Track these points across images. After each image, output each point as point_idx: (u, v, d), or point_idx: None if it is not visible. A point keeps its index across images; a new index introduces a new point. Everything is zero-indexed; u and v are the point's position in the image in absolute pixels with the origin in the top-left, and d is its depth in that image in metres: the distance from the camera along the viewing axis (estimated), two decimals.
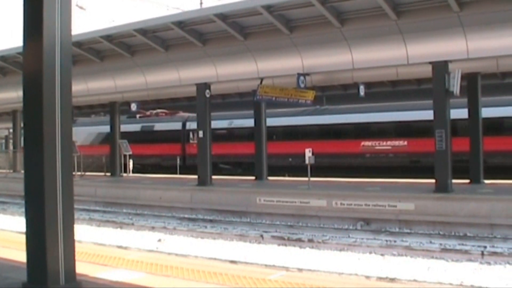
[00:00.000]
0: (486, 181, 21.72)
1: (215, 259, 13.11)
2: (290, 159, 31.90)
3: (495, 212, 16.20)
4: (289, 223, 18.66)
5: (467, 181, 21.66)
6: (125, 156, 32.87)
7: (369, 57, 20.05)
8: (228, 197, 21.83)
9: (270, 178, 26.85)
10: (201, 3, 21.90)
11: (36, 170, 6.80)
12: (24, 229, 6.98)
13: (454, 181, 19.27)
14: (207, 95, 24.14)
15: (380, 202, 18.13)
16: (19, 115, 36.99)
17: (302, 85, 21.39)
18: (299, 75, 21.14)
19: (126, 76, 27.20)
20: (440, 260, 12.97)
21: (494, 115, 25.64)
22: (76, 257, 7.12)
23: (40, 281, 6.72)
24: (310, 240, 15.39)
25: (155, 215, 21.82)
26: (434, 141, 18.86)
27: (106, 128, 34.41)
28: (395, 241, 14.94)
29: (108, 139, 33.24)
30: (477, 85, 21.79)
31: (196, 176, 24.90)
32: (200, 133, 24.25)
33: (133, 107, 31.02)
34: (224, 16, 21.20)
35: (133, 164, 33.76)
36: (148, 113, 41.00)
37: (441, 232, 16.13)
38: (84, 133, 41.41)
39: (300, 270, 11.67)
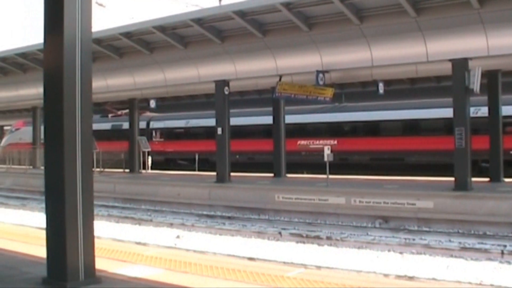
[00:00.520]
0: (506, 180, 21.54)
1: (233, 256, 13.11)
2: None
3: None
4: (307, 221, 18.64)
5: (487, 179, 21.50)
6: (143, 152, 33.01)
7: (389, 54, 19.95)
8: (246, 194, 21.84)
9: (289, 175, 26.84)
10: (220, 0, 21.95)
11: (57, 166, 6.85)
12: (43, 224, 7.04)
13: (473, 179, 19.13)
14: (226, 92, 24.14)
15: (399, 200, 18.04)
16: (39, 112, 37.28)
17: (321, 82, 21.34)
18: (318, 72, 21.09)
19: (145, 73, 27.29)
20: (459, 259, 12.87)
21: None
22: (95, 253, 7.17)
23: (60, 276, 6.79)
24: (329, 238, 15.37)
25: (174, 211, 21.87)
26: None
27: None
28: (413, 240, 14.86)
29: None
30: (498, 82, 21.60)
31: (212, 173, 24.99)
32: (219, 130, 24.20)
33: (152, 103, 31.16)
34: (243, 13, 21.20)
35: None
36: (119, 112, 41.36)
37: (460, 231, 15.99)
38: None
39: (318, 267, 11.67)
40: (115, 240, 14.66)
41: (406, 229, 16.53)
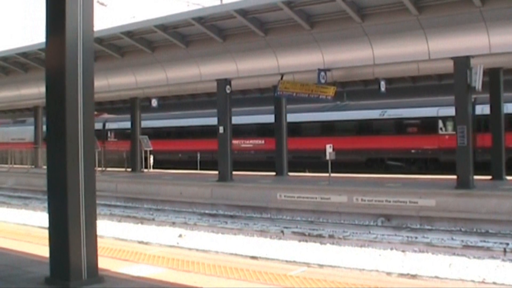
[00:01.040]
0: (508, 178, 21.52)
1: (236, 254, 13.14)
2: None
3: None
4: (309, 219, 18.64)
5: (489, 177, 21.49)
6: (145, 151, 33.03)
7: (390, 53, 19.94)
8: (248, 192, 21.84)
9: (291, 174, 26.85)
10: None
11: (59, 165, 6.86)
12: (46, 224, 7.04)
13: (475, 177, 19.12)
14: (228, 91, 24.15)
15: (401, 198, 18.04)
16: (41, 111, 37.33)
17: (322, 81, 21.34)
18: (319, 70, 21.08)
19: (147, 72, 27.30)
20: (462, 257, 12.86)
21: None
22: (98, 252, 7.17)
23: (62, 275, 6.79)
24: (331, 236, 15.35)
25: (176, 210, 21.87)
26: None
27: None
28: (416, 238, 14.86)
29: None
30: (499, 80, 21.58)
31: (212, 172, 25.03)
32: (221, 129, 24.22)
33: (154, 102, 31.15)
34: (244, 11, 21.19)
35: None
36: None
37: (462, 229, 15.96)
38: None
39: (321, 266, 11.67)
40: (117, 239, 14.68)
41: (408, 227, 16.52)
